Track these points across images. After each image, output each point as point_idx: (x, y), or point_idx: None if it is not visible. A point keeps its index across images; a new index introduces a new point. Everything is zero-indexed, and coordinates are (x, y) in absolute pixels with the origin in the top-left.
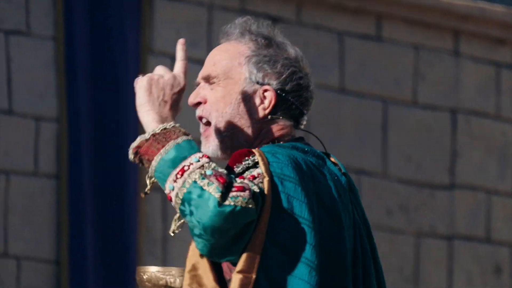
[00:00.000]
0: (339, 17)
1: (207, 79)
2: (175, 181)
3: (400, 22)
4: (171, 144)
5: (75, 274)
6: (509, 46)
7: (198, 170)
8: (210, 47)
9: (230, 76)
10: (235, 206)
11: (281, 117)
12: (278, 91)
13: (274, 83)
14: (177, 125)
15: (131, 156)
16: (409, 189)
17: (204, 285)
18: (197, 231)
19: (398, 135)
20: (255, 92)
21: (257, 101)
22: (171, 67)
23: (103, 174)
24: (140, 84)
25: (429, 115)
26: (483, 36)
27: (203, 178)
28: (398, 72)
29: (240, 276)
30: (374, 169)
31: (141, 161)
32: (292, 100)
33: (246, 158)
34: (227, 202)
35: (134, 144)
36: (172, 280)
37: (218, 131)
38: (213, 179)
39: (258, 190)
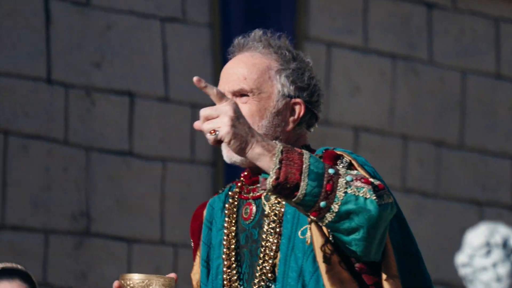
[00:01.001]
0: (495, 3)
1: (239, 93)
2: (326, 198)
3: None
4: (306, 162)
5: None
6: None
7: (341, 180)
8: (365, 34)
9: (262, 90)
10: (389, 202)
11: (304, 126)
12: (307, 103)
13: (303, 95)
14: (277, 141)
15: (270, 189)
16: None
17: (345, 278)
18: (358, 235)
19: None
20: (286, 104)
21: (288, 113)
22: (326, 53)
23: None
24: (226, 135)
25: None
26: None
27: (349, 187)
28: None
29: (392, 281)
30: None
31: (279, 192)
32: (315, 112)
33: (339, 160)
34: (382, 201)
35: (272, 178)
36: None
37: None
38: (359, 183)
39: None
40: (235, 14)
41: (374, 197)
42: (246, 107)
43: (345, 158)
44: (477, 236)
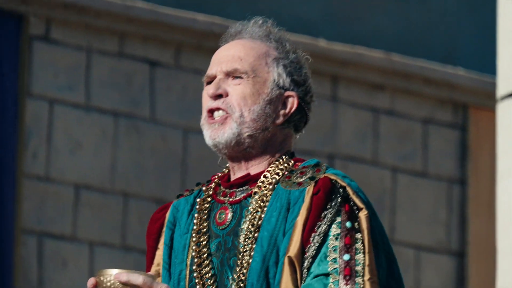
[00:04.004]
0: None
1: (232, 73)
2: None
3: None
4: None
5: None
6: (387, 92)
7: None
8: (88, 90)
9: (258, 74)
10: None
11: (291, 126)
12: (301, 99)
13: (298, 90)
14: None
15: None
16: None
17: None
18: None
19: None
20: (280, 96)
21: (280, 105)
22: (48, 110)
23: None
24: None
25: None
26: (361, 81)
27: None
28: None
29: None
30: None
31: None
32: (306, 113)
33: (333, 195)
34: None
35: None
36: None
37: (241, 124)
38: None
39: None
40: None
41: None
42: (239, 88)
43: (339, 183)
44: None
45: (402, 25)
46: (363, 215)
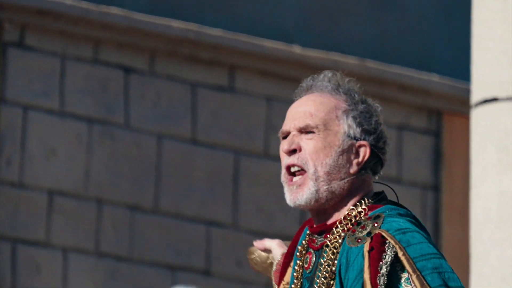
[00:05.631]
0: (192, 68)
1: (304, 129)
2: None
3: (253, 73)
4: None
5: None
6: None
7: None
8: (62, 97)
9: (329, 128)
10: None
11: (369, 172)
12: (373, 148)
13: (369, 138)
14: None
15: None
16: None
17: None
18: None
19: (249, 186)
20: (352, 146)
21: (353, 155)
22: (22, 116)
23: None
24: None
25: (280, 167)
26: None
27: None
28: (250, 124)
29: None
30: (225, 220)
31: None
32: (381, 157)
33: (384, 253)
34: None
35: None
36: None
37: (316, 180)
38: None
39: None
40: None
41: None
42: (311, 143)
43: (390, 244)
44: None
45: (377, 32)
46: (414, 277)
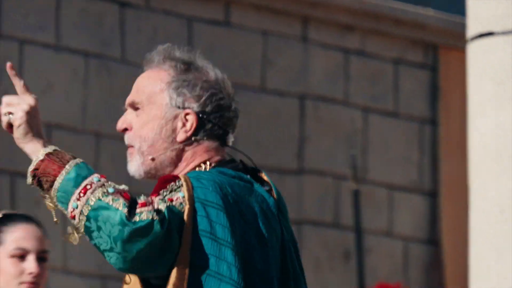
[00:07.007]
0: (188, 3)
1: (132, 105)
2: (78, 199)
3: (249, 8)
4: (71, 163)
5: None
6: (357, 33)
7: (100, 188)
8: (58, 31)
9: (152, 101)
10: (140, 220)
11: (204, 138)
12: (199, 114)
13: (194, 106)
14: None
15: (29, 179)
16: None
17: None
18: (107, 245)
19: (246, 121)
20: (176, 116)
21: (179, 124)
22: (18, 51)
23: None
24: (19, 119)
25: (277, 101)
26: (332, 22)
27: (106, 196)
28: (246, 58)
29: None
30: None
31: (39, 183)
32: (214, 121)
33: (172, 183)
34: (133, 218)
35: (31, 167)
36: None
37: (142, 154)
38: (117, 195)
39: (165, 208)
40: None
41: (125, 210)
42: (138, 120)
43: (180, 181)
44: None
45: None
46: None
